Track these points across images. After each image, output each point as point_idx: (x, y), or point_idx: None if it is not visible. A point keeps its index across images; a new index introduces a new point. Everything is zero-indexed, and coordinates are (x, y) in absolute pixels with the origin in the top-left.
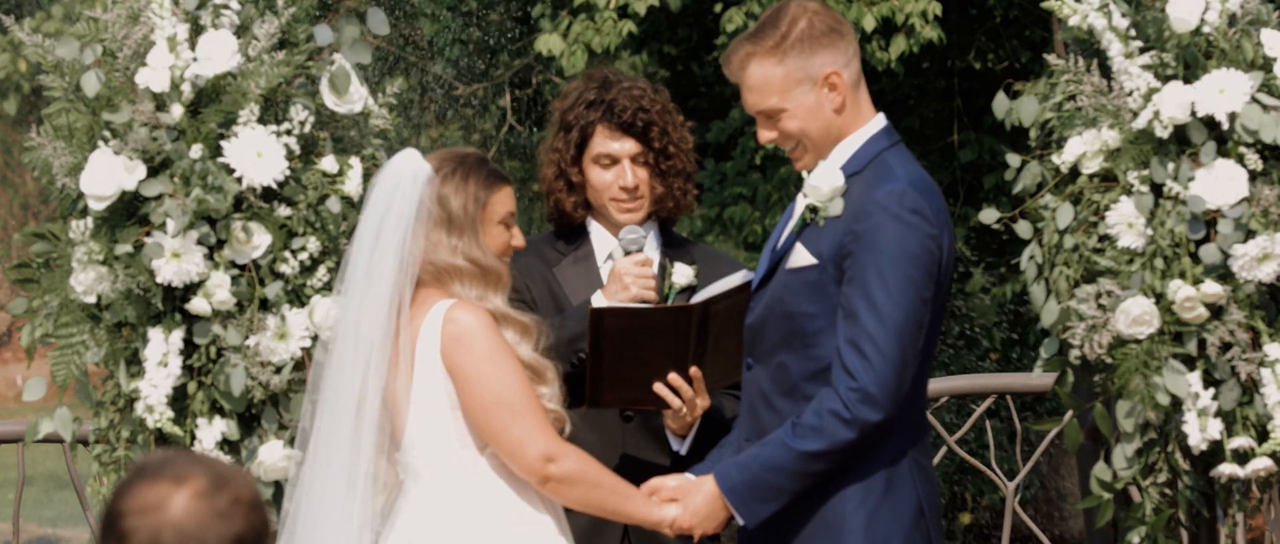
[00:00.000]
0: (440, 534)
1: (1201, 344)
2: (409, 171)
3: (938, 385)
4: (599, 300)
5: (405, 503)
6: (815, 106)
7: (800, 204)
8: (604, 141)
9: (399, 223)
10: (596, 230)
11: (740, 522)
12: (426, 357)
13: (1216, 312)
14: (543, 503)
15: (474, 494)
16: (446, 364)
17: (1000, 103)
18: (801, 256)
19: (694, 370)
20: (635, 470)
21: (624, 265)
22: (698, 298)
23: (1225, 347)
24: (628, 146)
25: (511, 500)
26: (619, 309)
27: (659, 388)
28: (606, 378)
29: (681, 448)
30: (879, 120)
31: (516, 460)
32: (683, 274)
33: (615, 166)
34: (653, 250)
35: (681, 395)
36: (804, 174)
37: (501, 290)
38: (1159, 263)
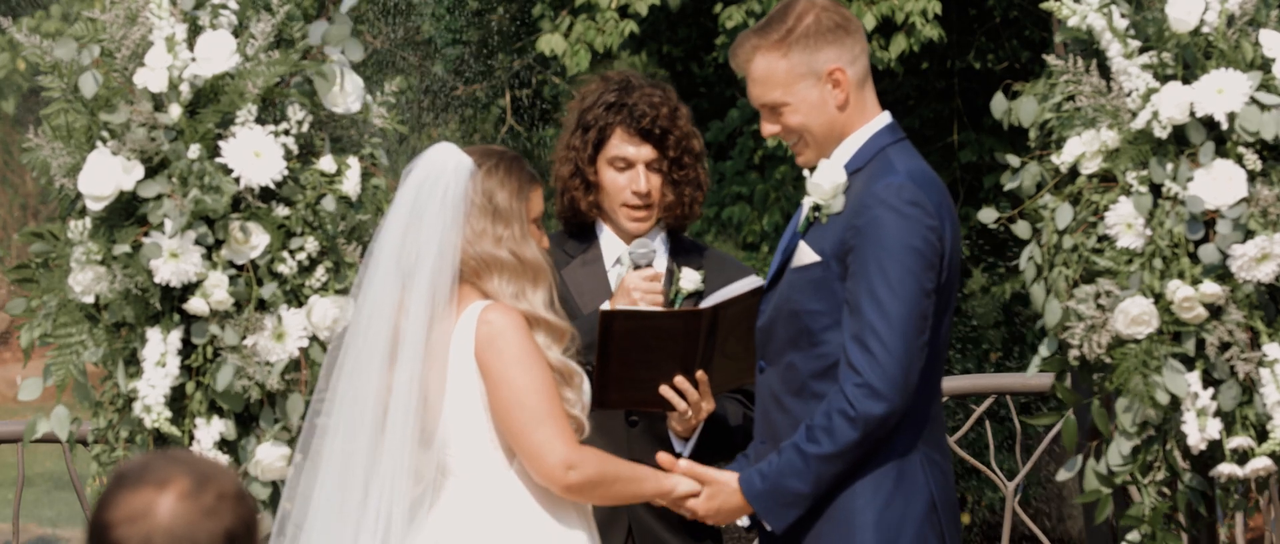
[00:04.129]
0: (470, 533)
1: (1200, 344)
2: (452, 164)
3: None
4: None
5: (438, 499)
6: (818, 102)
7: (806, 203)
8: (621, 145)
9: (442, 213)
10: (606, 234)
11: (768, 527)
12: (460, 355)
13: (1215, 312)
14: (572, 505)
15: (505, 494)
16: (479, 364)
17: (999, 103)
18: (806, 255)
19: (700, 374)
20: None
21: (633, 280)
22: (707, 302)
23: (1224, 346)
24: (644, 152)
25: (542, 501)
26: (629, 312)
27: (665, 391)
28: (614, 380)
29: (684, 450)
30: (883, 118)
31: (536, 466)
32: (690, 280)
33: (630, 170)
34: (660, 257)
35: (687, 398)
36: (805, 174)
37: (541, 286)
38: (1158, 263)
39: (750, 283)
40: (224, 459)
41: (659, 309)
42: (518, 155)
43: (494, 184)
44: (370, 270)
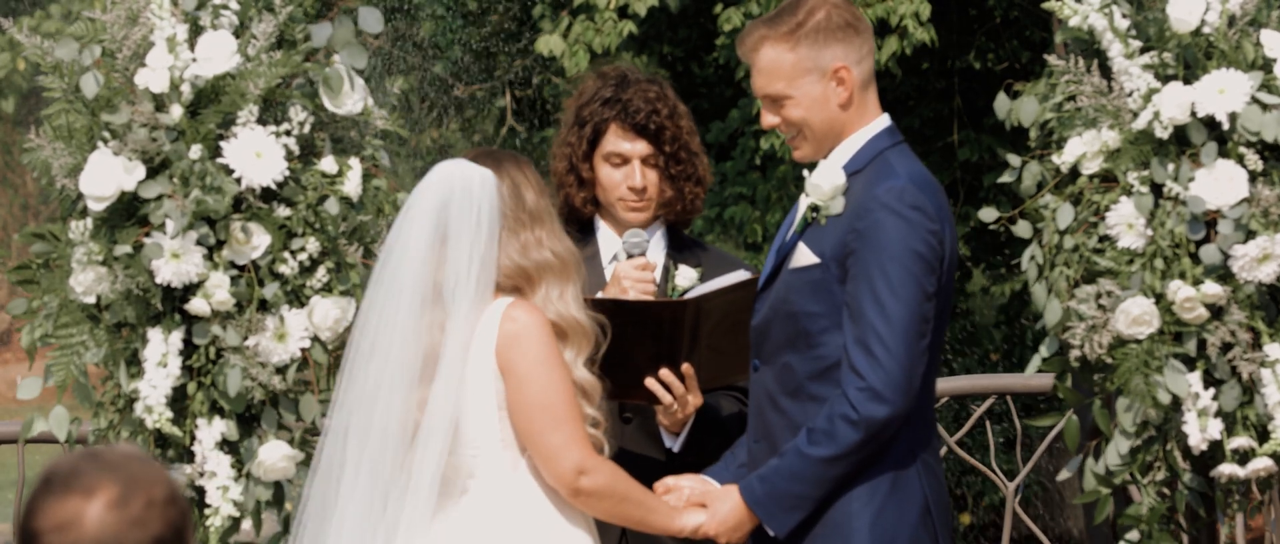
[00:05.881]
0: (474, 531)
1: (1202, 344)
2: (476, 178)
3: (938, 385)
4: None
5: (462, 500)
6: (820, 98)
7: (803, 204)
8: (616, 140)
9: (478, 231)
10: (603, 230)
11: (771, 532)
12: (481, 354)
13: (1217, 312)
14: (578, 511)
15: (512, 495)
16: (500, 362)
17: (1000, 103)
18: (804, 256)
19: (686, 367)
20: (633, 470)
21: (624, 269)
22: (692, 295)
23: (1226, 347)
24: (639, 147)
25: (548, 504)
26: (609, 301)
27: (650, 383)
28: (596, 369)
29: (675, 445)
30: (883, 120)
31: (549, 468)
32: (686, 276)
33: (625, 166)
34: (658, 252)
35: (673, 391)
36: (805, 173)
37: (576, 281)
38: (1159, 263)
39: (739, 276)
40: (226, 460)
41: (641, 299)
42: (513, 152)
43: (521, 185)
44: (390, 291)
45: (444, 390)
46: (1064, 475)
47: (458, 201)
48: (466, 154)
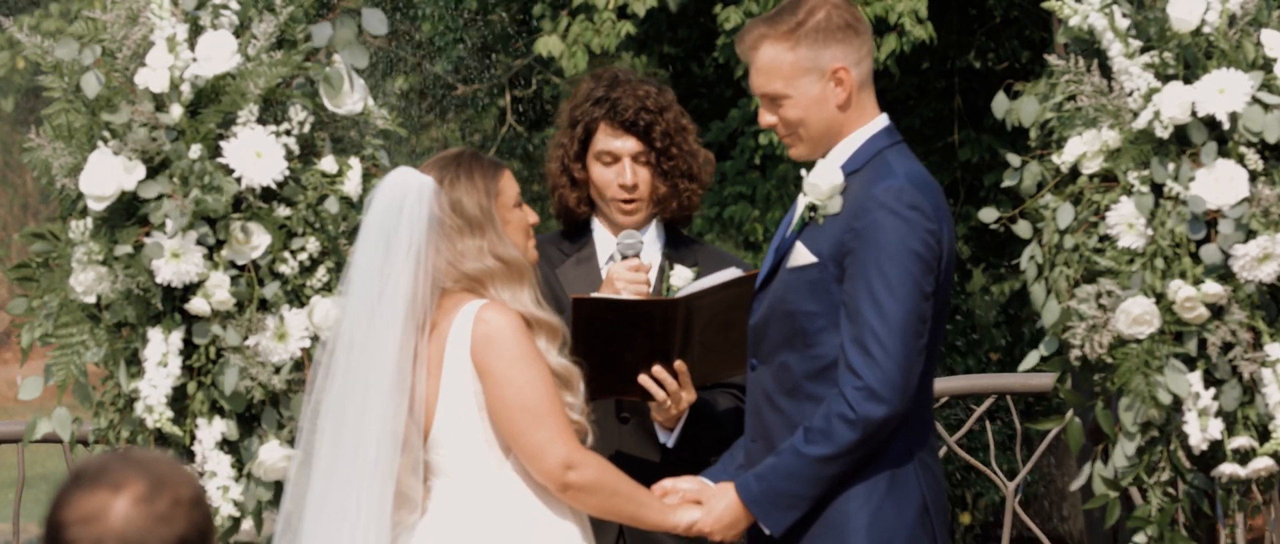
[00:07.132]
0: (463, 531)
1: (1202, 344)
2: (413, 186)
3: (938, 385)
4: None
5: (431, 501)
6: (818, 98)
7: (801, 203)
8: (606, 139)
9: (412, 241)
10: (599, 231)
11: (767, 531)
12: (456, 356)
13: (1217, 312)
14: (566, 505)
15: (499, 493)
16: (475, 364)
17: (1000, 103)
18: (802, 255)
19: (679, 364)
20: (630, 470)
21: (617, 270)
22: (683, 292)
23: (1226, 347)
24: (629, 145)
25: (536, 501)
26: (600, 300)
27: (643, 380)
28: (588, 368)
29: (669, 440)
30: (881, 120)
31: (536, 466)
32: (681, 276)
33: (616, 164)
34: (655, 251)
35: (666, 388)
36: (803, 173)
37: (528, 284)
38: (1159, 263)
39: (730, 273)
40: (226, 460)
41: (631, 297)
42: (473, 151)
43: (459, 194)
44: (349, 306)
45: (377, 406)
46: (1075, 486)
47: (395, 209)
48: (428, 162)
